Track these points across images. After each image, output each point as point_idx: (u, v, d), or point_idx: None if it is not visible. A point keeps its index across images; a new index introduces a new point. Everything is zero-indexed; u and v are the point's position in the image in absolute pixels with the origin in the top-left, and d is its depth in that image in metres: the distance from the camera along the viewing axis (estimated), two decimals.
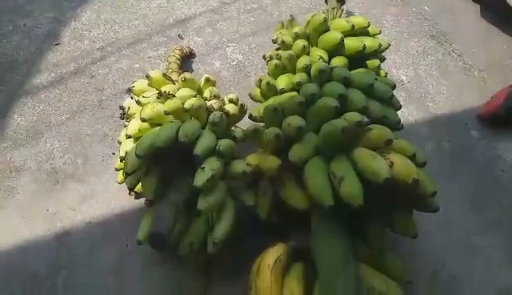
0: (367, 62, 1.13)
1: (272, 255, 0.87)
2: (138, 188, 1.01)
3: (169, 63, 1.27)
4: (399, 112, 1.09)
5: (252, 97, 1.20)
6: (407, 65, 1.68)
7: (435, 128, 1.43)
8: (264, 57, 1.24)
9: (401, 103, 1.48)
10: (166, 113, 0.93)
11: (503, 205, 1.23)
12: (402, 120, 1.09)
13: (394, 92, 1.07)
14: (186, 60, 1.45)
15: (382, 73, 1.16)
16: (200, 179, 0.85)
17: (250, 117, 1.12)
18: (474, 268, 1.10)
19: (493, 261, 1.12)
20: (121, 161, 0.98)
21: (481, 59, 1.76)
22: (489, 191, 1.27)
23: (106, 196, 1.11)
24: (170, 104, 0.93)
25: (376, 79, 1.02)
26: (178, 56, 1.31)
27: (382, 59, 1.18)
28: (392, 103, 1.03)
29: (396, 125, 1.01)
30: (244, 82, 1.44)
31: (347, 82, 0.98)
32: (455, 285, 1.06)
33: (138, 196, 1.10)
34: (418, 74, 1.65)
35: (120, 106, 1.11)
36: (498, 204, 1.24)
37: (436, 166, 1.30)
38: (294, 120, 0.90)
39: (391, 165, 0.80)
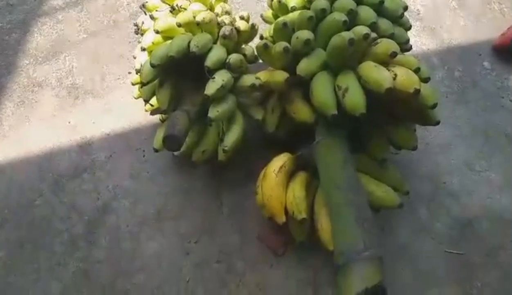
0: None
1: (278, 162, 0.93)
2: (154, 102, 1.07)
3: None
4: (412, 42, 1.09)
5: (264, 19, 1.21)
6: None
7: (448, 58, 1.43)
8: None
9: (416, 33, 1.48)
10: (178, 25, 0.96)
11: (507, 132, 1.26)
12: (415, 49, 1.10)
13: (411, 22, 1.08)
14: None
15: None
16: (211, 87, 0.89)
17: (261, 38, 1.14)
18: (474, 190, 1.14)
19: (493, 184, 1.16)
20: (137, 73, 1.03)
21: None
22: (496, 118, 1.28)
23: (123, 111, 1.18)
24: (182, 16, 0.96)
25: None
26: None
27: None
28: (402, 23, 1.03)
29: (404, 45, 1.02)
30: (257, 8, 1.44)
31: None
32: (454, 203, 1.11)
33: (153, 112, 1.16)
34: (435, 4, 1.62)
35: (134, 23, 1.15)
36: (503, 131, 1.26)
37: (445, 92, 1.32)
38: (303, 34, 0.92)
39: (395, 76, 0.83)
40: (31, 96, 1.18)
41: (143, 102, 1.09)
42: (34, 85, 1.20)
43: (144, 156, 1.11)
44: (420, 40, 1.47)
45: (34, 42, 1.27)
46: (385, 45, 0.88)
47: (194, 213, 1.03)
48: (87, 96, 1.20)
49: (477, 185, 1.15)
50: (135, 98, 1.14)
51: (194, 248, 0.99)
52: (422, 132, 1.18)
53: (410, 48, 1.06)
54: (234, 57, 0.95)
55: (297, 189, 0.90)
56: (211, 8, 1.08)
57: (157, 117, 1.14)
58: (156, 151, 1.01)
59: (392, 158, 1.05)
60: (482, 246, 1.05)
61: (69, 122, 1.15)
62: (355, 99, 0.82)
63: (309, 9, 1.03)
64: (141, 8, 1.12)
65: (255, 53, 1.04)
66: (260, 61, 1.06)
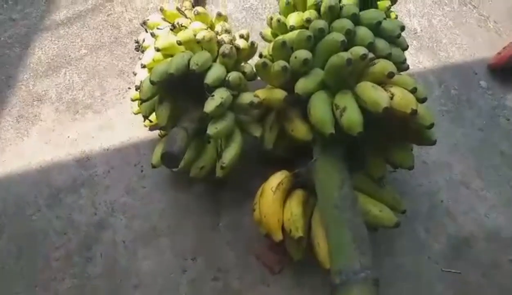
0: (378, 3, 1.13)
1: (275, 180, 0.94)
2: (153, 118, 1.07)
3: (183, 1, 1.29)
4: (409, 60, 1.10)
5: (263, 37, 1.22)
6: (421, 14, 1.67)
7: (444, 76, 1.45)
8: None
9: (413, 51, 1.50)
10: (179, 43, 0.97)
11: (503, 151, 1.27)
12: (411, 67, 1.11)
13: (407, 40, 1.09)
14: (200, 1, 1.47)
15: (393, 15, 1.17)
16: (210, 105, 0.90)
17: (260, 56, 1.16)
18: (470, 208, 1.15)
19: (489, 202, 1.17)
20: (136, 89, 1.04)
21: (497, 11, 1.73)
22: (492, 136, 1.30)
23: (122, 126, 1.18)
24: (183, 34, 0.98)
25: (385, 18, 1.04)
26: None
27: (394, 1, 1.19)
28: (399, 43, 1.05)
29: (401, 64, 1.03)
30: (257, 25, 1.46)
31: (355, 19, 1.00)
32: (450, 221, 1.12)
33: (152, 127, 1.17)
34: (432, 24, 1.64)
35: (135, 40, 1.16)
36: (499, 150, 1.27)
37: (441, 111, 1.33)
38: (301, 53, 0.93)
39: (392, 96, 0.84)
40: (30, 111, 1.19)
41: (142, 118, 1.10)
42: (34, 99, 1.21)
43: (142, 171, 1.11)
44: (417, 59, 1.49)
45: (35, 57, 1.29)
46: (382, 66, 0.89)
47: (191, 229, 1.03)
48: (87, 111, 1.20)
49: (473, 203, 1.16)
50: (134, 113, 1.14)
51: (191, 265, 0.99)
52: (418, 151, 1.18)
53: (407, 67, 1.08)
54: (233, 75, 0.96)
55: (295, 206, 0.91)
56: (212, 27, 1.10)
57: (156, 132, 1.15)
58: (154, 167, 1.01)
59: (389, 175, 1.06)
60: (479, 265, 1.05)
61: (68, 137, 1.15)
62: (353, 118, 0.83)
63: (307, 28, 1.05)
64: (142, 25, 1.13)
65: (254, 71, 1.05)
66: (259, 78, 1.07)
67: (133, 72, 1.11)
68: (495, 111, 1.37)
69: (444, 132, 1.27)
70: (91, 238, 1.01)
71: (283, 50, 0.98)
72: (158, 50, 0.99)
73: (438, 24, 1.64)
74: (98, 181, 1.09)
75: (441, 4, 1.72)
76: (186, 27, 1.02)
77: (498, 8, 1.73)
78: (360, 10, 1.05)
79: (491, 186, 1.19)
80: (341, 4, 1.04)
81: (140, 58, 1.10)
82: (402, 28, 1.07)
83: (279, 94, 0.95)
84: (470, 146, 1.27)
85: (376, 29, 1.01)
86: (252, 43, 1.10)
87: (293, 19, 1.08)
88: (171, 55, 0.99)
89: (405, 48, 1.08)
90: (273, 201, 0.90)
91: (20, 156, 1.12)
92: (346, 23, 0.97)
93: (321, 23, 0.98)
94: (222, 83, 0.96)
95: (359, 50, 0.89)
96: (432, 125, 0.86)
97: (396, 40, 1.04)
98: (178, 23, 1.02)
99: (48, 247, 1.00)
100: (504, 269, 1.04)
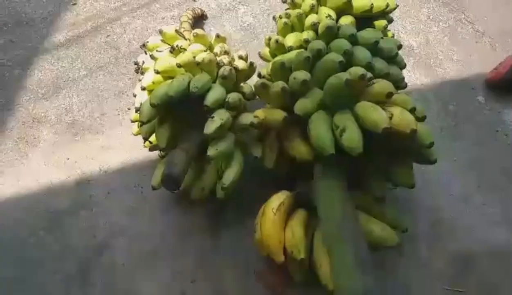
0: (375, 22, 1.15)
1: (276, 200, 0.93)
2: (153, 139, 1.07)
3: (182, 23, 1.31)
4: (406, 77, 1.11)
5: (261, 56, 1.23)
6: (417, 31, 1.69)
7: (442, 93, 1.45)
8: (274, 18, 1.27)
9: (410, 68, 1.51)
10: (178, 66, 0.98)
11: (502, 166, 1.27)
12: (409, 84, 1.12)
13: (404, 57, 1.10)
14: (198, 21, 1.49)
15: (390, 34, 1.18)
16: (210, 127, 0.90)
17: (259, 76, 1.17)
18: (472, 224, 1.14)
19: (490, 218, 1.16)
20: (136, 111, 1.04)
21: (492, 27, 1.75)
22: (490, 152, 1.30)
23: (122, 147, 1.19)
24: (182, 57, 0.98)
25: (382, 38, 1.05)
26: (190, 17, 1.35)
27: (390, 20, 1.20)
28: (397, 62, 1.06)
29: (399, 83, 1.04)
30: (255, 44, 1.47)
31: (353, 40, 1.01)
32: (452, 238, 1.11)
33: (152, 148, 1.16)
34: (428, 40, 1.66)
35: (134, 61, 1.17)
36: (497, 165, 1.27)
37: (440, 127, 1.33)
38: (300, 74, 0.94)
39: (391, 116, 0.84)
40: (30, 133, 1.19)
41: (142, 139, 1.09)
42: (33, 121, 1.21)
43: (142, 193, 1.11)
44: (414, 75, 1.50)
45: (34, 79, 1.29)
46: (381, 86, 0.89)
47: (191, 251, 1.02)
48: (86, 132, 1.21)
49: (475, 219, 1.15)
50: (134, 134, 1.14)
51: (191, 287, 0.98)
52: (419, 167, 1.18)
53: (405, 86, 1.08)
54: (233, 97, 0.97)
55: (296, 227, 0.90)
56: (211, 48, 1.11)
57: (156, 153, 1.15)
58: (154, 188, 1.01)
59: (390, 193, 1.05)
60: (483, 282, 1.04)
61: (68, 159, 1.15)
62: (353, 138, 0.83)
63: (306, 49, 1.06)
64: (141, 47, 1.14)
65: (253, 91, 1.06)
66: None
67: (133, 94, 1.11)
68: (493, 126, 1.37)
69: (443, 148, 1.27)
70: (90, 261, 1.00)
71: (282, 71, 0.99)
72: (157, 72, 0.99)
73: (434, 40, 1.66)
74: (97, 203, 1.08)
75: (436, 20, 1.74)
76: (185, 49, 1.03)
77: (493, 24, 1.75)
78: (357, 30, 1.06)
79: (492, 201, 1.19)
80: (338, 25, 1.06)
81: (139, 80, 1.11)
82: (399, 46, 1.08)
83: (279, 114, 0.96)
84: (470, 162, 1.27)
85: (374, 48, 1.02)
86: (251, 64, 1.11)
87: (291, 39, 1.09)
88: (171, 77, 1.00)
89: (403, 66, 1.08)
90: (274, 222, 0.89)
91: (19, 178, 1.12)
92: (344, 44, 0.98)
93: (319, 44, 0.99)
94: (222, 104, 0.97)
95: (357, 70, 0.89)
96: (431, 144, 0.86)
97: (394, 59, 1.05)
98: (177, 45, 1.03)
99: (47, 270, 0.98)
100: (508, 286, 1.03)
